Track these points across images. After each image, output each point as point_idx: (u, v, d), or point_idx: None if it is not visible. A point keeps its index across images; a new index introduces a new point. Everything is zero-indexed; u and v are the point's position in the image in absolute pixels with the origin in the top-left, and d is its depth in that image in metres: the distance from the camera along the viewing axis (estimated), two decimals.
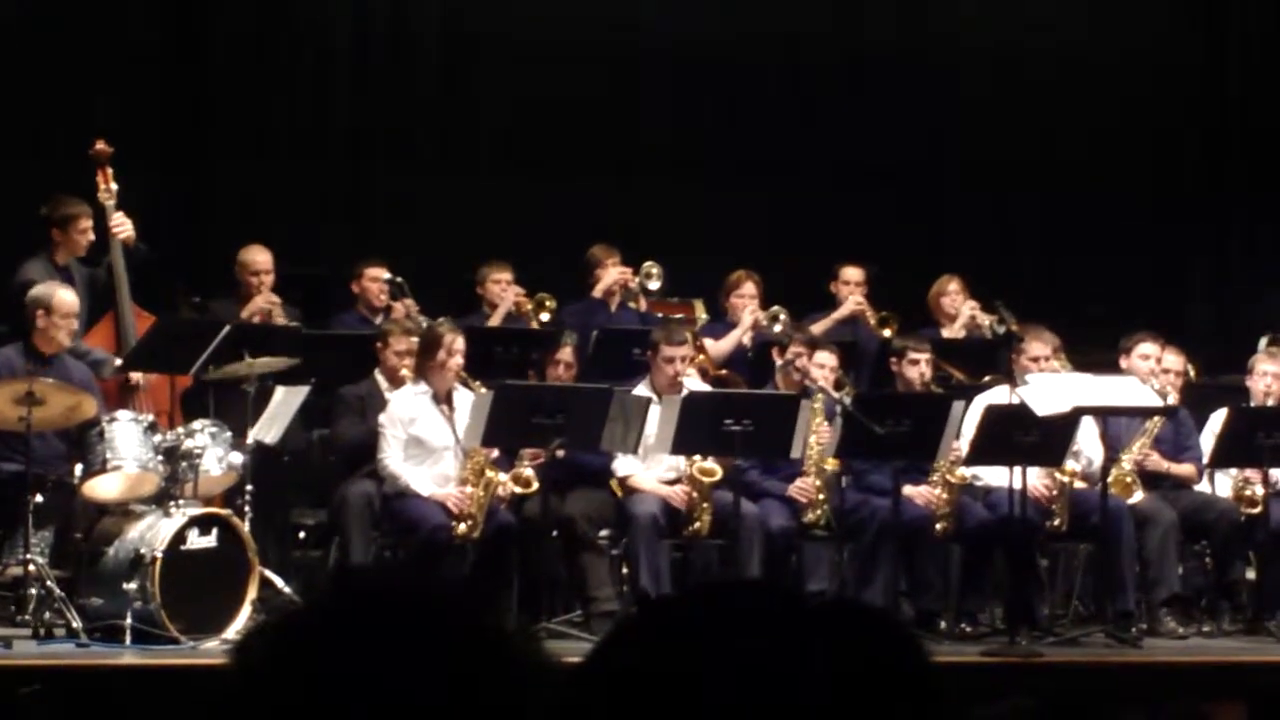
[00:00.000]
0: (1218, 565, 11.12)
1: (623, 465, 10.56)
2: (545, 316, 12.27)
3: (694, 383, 10.86)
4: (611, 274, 12.45)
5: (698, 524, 10.41)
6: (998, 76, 15.11)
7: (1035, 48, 15.17)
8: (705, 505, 10.39)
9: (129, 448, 9.52)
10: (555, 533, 10.35)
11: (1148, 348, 11.23)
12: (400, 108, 14.40)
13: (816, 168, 14.62)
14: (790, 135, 14.70)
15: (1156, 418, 11.03)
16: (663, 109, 14.67)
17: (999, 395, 10.58)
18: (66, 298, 10.13)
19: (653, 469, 10.58)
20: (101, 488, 9.61)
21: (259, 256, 11.81)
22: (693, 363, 11.07)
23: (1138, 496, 10.84)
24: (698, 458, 10.37)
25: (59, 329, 10.05)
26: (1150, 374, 11.07)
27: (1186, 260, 15.31)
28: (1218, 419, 11.09)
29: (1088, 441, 10.75)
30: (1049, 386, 10.41)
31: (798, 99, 14.90)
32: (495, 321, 12.19)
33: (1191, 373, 12.05)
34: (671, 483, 10.52)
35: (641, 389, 10.64)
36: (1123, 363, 11.21)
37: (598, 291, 12.43)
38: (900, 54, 15.03)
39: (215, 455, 9.82)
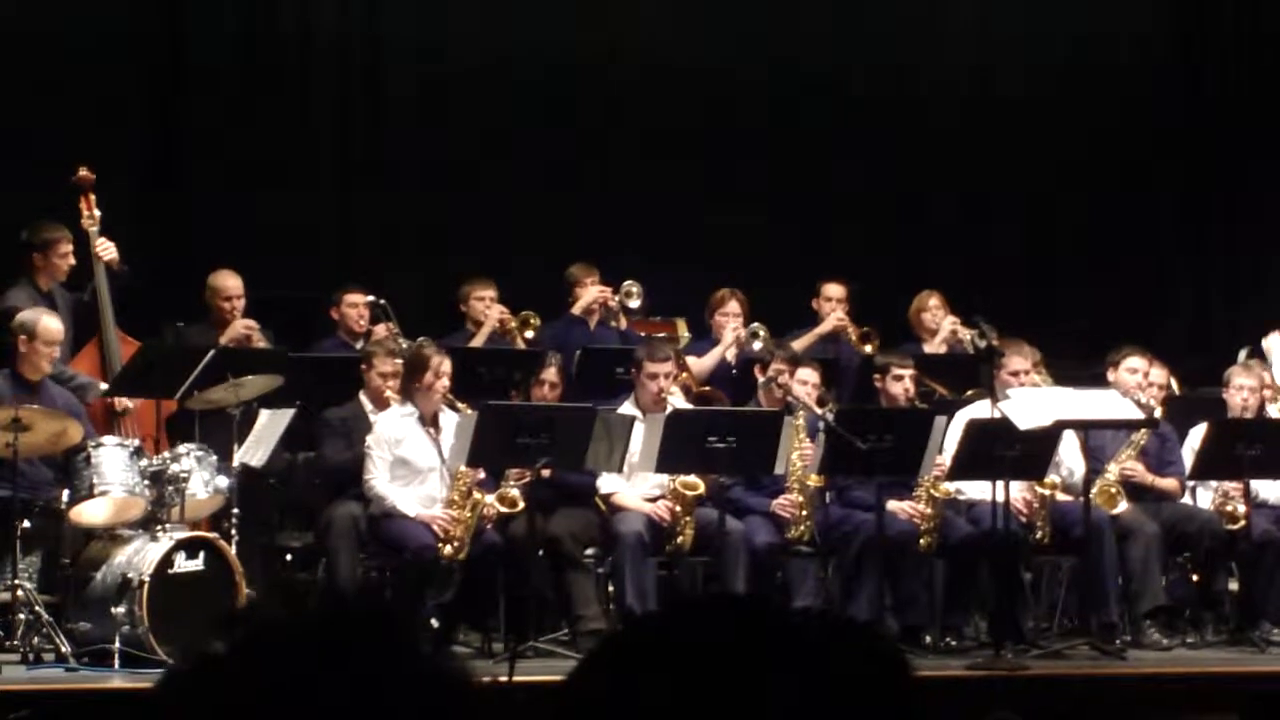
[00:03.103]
0: (1201, 576, 11.15)
1: (606, 483, 10.58)
2: (530, 334, 12.27)
3: (677, 400, 10.89)
4: (591, 292, 12.46)
5: (680, 538, 10.44)
6: (974, 89, 15.14)
7: (1010, 58, 15.20)
8: (688, 519, 10.42)
9: (115, 473, 9.54)
10: (541, 552, 10.36)
11: (1136, 361, 11.25)
12: (378, 132, 14.45)
13: (799, 184, 14.66)
14: (772, 152, 14.74)
15: (1142, 430, 11.06)
16: (641, 127, 14.69)
17: (981, 410, 10.60)
18: (51, 324, 10.15)
19: (637, 486, 10.60)
20: (89, 513, 9.62)
21: (230, 282, 11.75)
22: (676, 381, 11.10)
23: (1122, 507, 10.86)
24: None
25: (42, 355, 10.07)
26: (1138, 388, 11.10)
27: (1165, 272, 15.32)
28: (1197, 434, 11.12)
29: (1069, 453, 10.78)
30: (1030, 400, 10.44)
31: (779, 117, 14.94)
32: (479, 341, 12.19)
33: (1174, 386, 12.08)
34: (655, 500, 10.55)
35: (626, 407, 10.67)
36: (1110, 376, 11.23)
37: (577, 309, 12.45)
38: (879, 63, 15.08)
39: (201, 479, 9.83)
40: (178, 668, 1.88)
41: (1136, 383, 11.14)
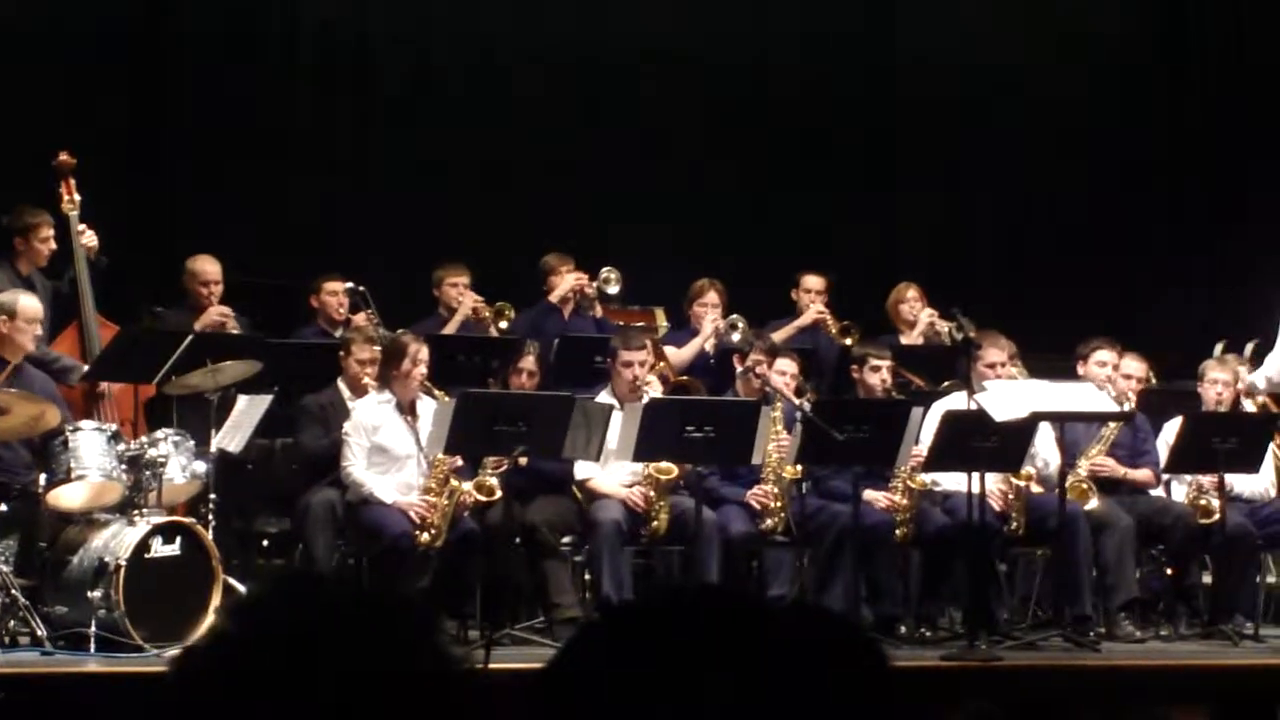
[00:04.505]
0: (1175, 570, 11.19)
1: (581, 469, 10.59)
2: (504, 324, 12.28)
3: (655, 390, 10.89)
4: (567, 280, 12.46)
5: (655, 523, 10.45)
6: (955, 78, 15.16)
7: (1009, 57, 15.21)
8: (662, 504, 10.43)
9: (93, 457, 9.53)
10: (518, 540, 10.38)
11: (1104, 354, 11.28)
12: (365, 125, 14.44)
13: (775, 174, 14.68)
14: (752, 141, 14.76)
15: (1112, 424, 11.09)
16: (623, 116, 14.70)
17: (958, 401, 10.63)
18: (29, 303, 10.14)
19: (613, 474, 10.61)
20: (66, 497, 9.61)
21: (208, 267, 11.79)
22: (653, 370, 11.11)
23: (1093, 504, 10.89)
24: None
25: (23, 333, 10.05)
26: (1107, 380, 11.13)
27: (1161, 271, 15.33)
28: (1171, 428, 11.16)
29: (1045, 446, 10.81)
30: (1007, 393, 10.46)
31: (759, 103, 14.95)
32: (452, 328, 12.18)
33: (1152, 378, 12.10)
34: (630, 486, 10.55)
35: (603, 397, 10.67)
36: (1080, 369, 11.27)
37: (554, 297, 12.45)
38: (858, 56, 15.10)
39: (179, 464, 9.82)
40: (192, 647, 1.90)
41: (1106, 375, 11.17)
